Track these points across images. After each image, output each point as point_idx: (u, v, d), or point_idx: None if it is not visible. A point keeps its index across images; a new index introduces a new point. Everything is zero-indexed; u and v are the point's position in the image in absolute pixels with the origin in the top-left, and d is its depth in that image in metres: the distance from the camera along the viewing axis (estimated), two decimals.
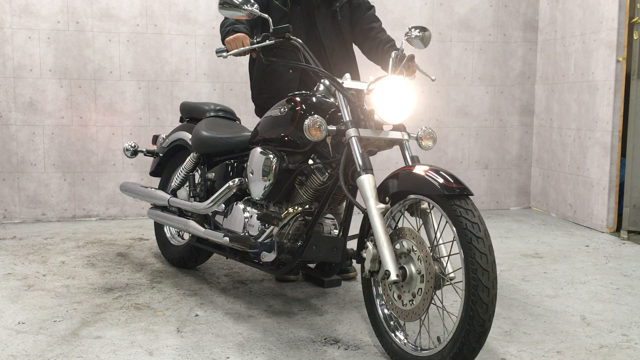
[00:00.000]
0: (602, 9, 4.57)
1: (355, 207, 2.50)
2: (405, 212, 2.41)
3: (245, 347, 2.48)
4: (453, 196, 2.13)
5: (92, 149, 4.91)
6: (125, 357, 2.38)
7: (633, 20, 4.37)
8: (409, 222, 2.41)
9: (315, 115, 2.42)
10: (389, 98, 2.41)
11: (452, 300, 2.92)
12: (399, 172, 2.32)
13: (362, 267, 2.40)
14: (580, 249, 4.14)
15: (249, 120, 4.98)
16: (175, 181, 3.46)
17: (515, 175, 5.57)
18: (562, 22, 5.09)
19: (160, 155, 3.69)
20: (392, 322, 2.42)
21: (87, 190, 4.94)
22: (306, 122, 2.39)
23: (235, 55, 2.64)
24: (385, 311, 2.44)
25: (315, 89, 2.69)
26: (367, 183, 2.32)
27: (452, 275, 2.22)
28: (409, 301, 2.24)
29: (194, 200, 3.27)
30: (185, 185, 3.41)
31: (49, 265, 3.62)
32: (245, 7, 2.55)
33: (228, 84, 5.05)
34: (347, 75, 2.58)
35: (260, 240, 2.73)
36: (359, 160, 2.36)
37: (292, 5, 3.14)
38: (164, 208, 3.48)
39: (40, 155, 4.84)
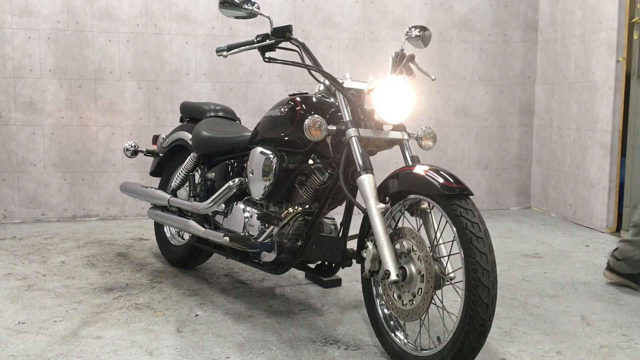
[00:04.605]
0: (602, 9, 4.57)
1: (355, 207, 2.50)
2: (405, 212, 2.41)
3: (245, 347, 2.48)
4: (453, 196, 2.13)
5: (92, 149, 4.91)
6: (125, 357, 2.38)
7: (633, 20, 4.37)
8: (409, 222, 2.41)
9: (315, 115, 2.41)
10: (389, 98, 2.41)
11: (452, 300, 2.92)
12: (399, 172, 2.32)
13: (362, 267, 2.40)
14: (580, 249, 4.14)
15: (249, 120, 4.99)
16: (175, 181, 3.46)
17: (515, 175, 5.57)
18: (562, 22, 5.09)
19: (160, 155, 3.69)
20: (392, 322, 2.42)
21: (87, 190, 4.93)
22: (306, 122, 2.39)
23: (235, 53, 2.64)
24: (385, 311, 2.44)
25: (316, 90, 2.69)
26: (367, 183, 2.32)
27: (452, 275, 2.22)
28: (409, 301, 2.24)
29: (194, 200, 3.27)
30: (185, 185, 3.41)
31: (49, 265, 3.62)
32: (246, 7, 2.55)
33: (228, 84, 5.05)
34: (347, 75, 2.59)
35: (260, 240, 2.73)
36: (359, 160, 2.36)
37: None
38: (164, 208, 3.48)
39: (40, 155, 4.83)
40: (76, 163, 4.90)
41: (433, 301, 2.20)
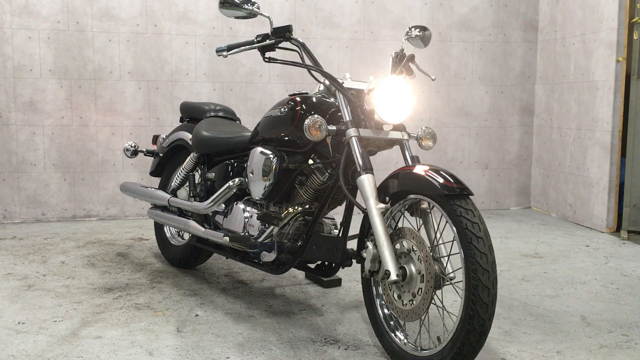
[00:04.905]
0: (602, 9, 4.57)
1: (355, 207, 2.50)
2: (405, 212, 2.41)
3: (245, 347, 2.48)
4: (453, 196, 2.13)
5: (92, 149, 4.91)
6: (125, 357, 2.38)
7: (633, 20, 4.37)
8: (409, 222, 2.41)
9: (316, 115, 2.42)
10: (389, 98, 2.41)
11: (452, 300, 2.92)
12: (399, 172, 2.32)
13: (362, 267, 2.40)
14: (580, 249, 4.14)
15: (249, 120, 4.99)
16: (175, 181, 3.46)
17: (515, 175, 5.57)
18: (562, 22, 5.09)
19: (160, 155, 3.69)
20: (392, 322, 2.42)
21: (87, 190, 4.93)
22: (306, 122, 2.39)
23: (235, 53, 2.64)
24: (385, 311, 2.44)
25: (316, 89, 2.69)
26: (367, 183, 2.32)
27: (452, 275, 2.22)
28: (409, 301, 2.24)
29: (194, 200, 3.27)
30: (185, 185, 3.41)
31: (49, 265, 3.62)
32: (246, 7, 2.55)
33: (228, 84, 5.05)
34: (347, 75, 2.59)
35: (260, 240, 2.73)
36: (359, 160, 2.36)
37: None
38: (164, 208, 3.48)
39: (40, 155, 4.83)
40: (76, 163, 4.90)
41: (433, 301, 2.20)
